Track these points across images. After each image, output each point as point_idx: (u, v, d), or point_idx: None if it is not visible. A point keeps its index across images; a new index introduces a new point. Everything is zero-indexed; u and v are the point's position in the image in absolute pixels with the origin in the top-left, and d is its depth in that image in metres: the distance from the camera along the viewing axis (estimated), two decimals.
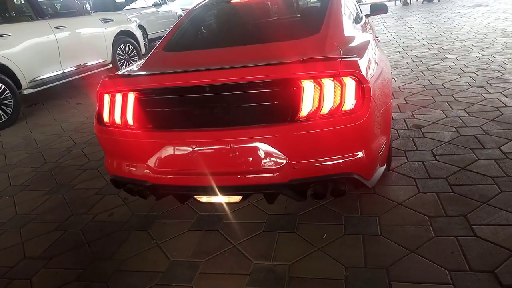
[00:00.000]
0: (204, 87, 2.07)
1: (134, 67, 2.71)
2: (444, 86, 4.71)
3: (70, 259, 2.39)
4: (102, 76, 2.34)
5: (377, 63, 2.38)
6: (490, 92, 4.29)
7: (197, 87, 2.09)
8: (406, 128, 3.63)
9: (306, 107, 1.96)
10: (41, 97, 6.77)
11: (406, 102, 4.33)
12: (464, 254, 2.01)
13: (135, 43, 8.22)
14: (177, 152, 2.15)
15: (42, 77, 6.08)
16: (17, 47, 5.67)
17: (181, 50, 2.82)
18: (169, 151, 2.15)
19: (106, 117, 2.31)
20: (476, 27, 8.36)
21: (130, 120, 2.22)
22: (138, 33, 8.40)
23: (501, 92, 4.23)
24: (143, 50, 8.46)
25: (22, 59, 5.71)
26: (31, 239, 2.65)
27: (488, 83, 4.59)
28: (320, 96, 1.95)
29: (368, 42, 2.54)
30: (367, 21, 3.80)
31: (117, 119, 2.26)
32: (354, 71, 1.94)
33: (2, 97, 5.42)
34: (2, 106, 5.45)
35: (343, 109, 1.94)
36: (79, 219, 2.82)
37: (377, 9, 4.51)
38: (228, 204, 2.62)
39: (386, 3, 4.89)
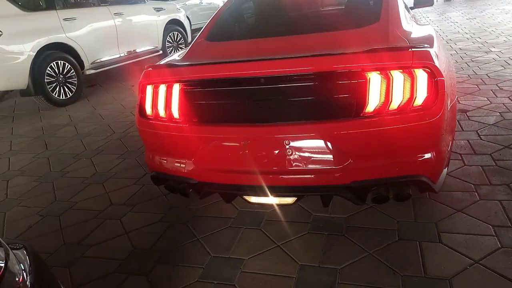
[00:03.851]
0: (259, 78, 1.94)
1: (176, 56, 2.62)
2: (488, 76, 4.83)
3: (150, 207, 2.76)
4: (145, 66, 2.29)
5: (444, 55, 2.23)
6: None
7: (251, 78, 1.97)
8: None
9: (372, 102, 1.82)
10: (99, 79, 7.27)
11: None
12: (507, 214, 2.23)
13: (183, 31, 8.64)
14: (226, 149, 2.04)
15: (102, 59, 6.56)
16: (82, 30, 6.16)
17: (225, 39, 2.68)
18: (217, 147, 2.04)
19: (148, 110, 2.21)
20: None
21: (175, 113, 2.11)
22: (186, 22, 8.82)
23: None
24: (189, 39, 8.89)
25: (85, 41, 6.19)
26: (114, 191, 3.04)
27: None
28: (389, 90, 1.80)
29: (432, 33, 2.37)
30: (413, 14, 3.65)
31: (161, 112, 2.15)
32: (428, 62, 1.79)
33: (68, 75, 5.93)
34: (68, 84, 5.96)
35: (414, 104, 1.80)
36: None
37: (422, 2, 4.13)
38: (279, 205, 2.46)
39: None
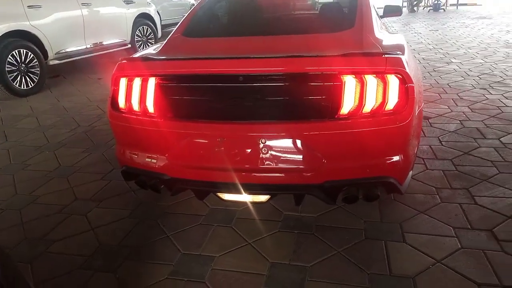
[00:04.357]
0: (237, 76, 1.94)
1: (151, 50, 2.59)
2: (449, 86, 5.06)
3: (118, 202, 2.69)
4: (120, 58, 2.24)
5: (413, 63, 2.30)
6: (492, 94, 4.64)
7: (228, 76, 1.97)
8: None
9: (347, 105, 1.87)
10: (63, 70, 7.01)
11: None
12: (467, 216, 2.35)
13: (153, 26, 8.50)
14: (201, 145, 2.03)
15: (67, 50, 6.34)
16: (47, 19, 5.93)
17: (202, 36, 2.70)
18: (192, 143, 2.02)
19: (122, 103, 2.17)
20: (480, 37, 8.73)
21: (150, 108, 2.08)
22: (157, 17, 8.68)
23: (502, 94, 4.59)
24: (159, 34, 8.75)
25: (50, 30, 5.97)
26: (79, 186, 2.95)
27: (490, 86, 4.95)
28: (362, 94, 1.85)
29: (403, 41, 2.43)
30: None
31: (135, 106, 2.12)
32: (399, 68, 1.85)
33: (30, 65, 5.69)
34: (30, 74, 5.71)
35: (386, 108, 1.86)
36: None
37: (392, 11, 4.32)
38: (252, 203, 2.48)
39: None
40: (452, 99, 4.53)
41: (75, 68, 7.15)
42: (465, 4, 17.03)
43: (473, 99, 4.47)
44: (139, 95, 2.11)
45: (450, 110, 4.15)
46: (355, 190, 2.02)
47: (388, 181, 1.97)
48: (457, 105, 4.31)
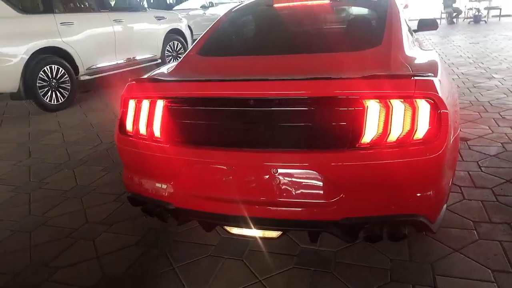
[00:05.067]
0: (248, 100, 1.79)
1: (164, 70, 2.46)
2: (490, 104, 4.70)
3: (127, 227, 2.58)
4: (129, 79, 2.13)
5: (448, 83, 2.06)
6: None
7: (240, 99, 1.82)
8: None
9: (369, 133, 1.67)
10: (94, 85, 7.13)
11: None
12: (508, 257, 2.06)
13: (183, 41, 8.55)
14: (208, 174, 1.88)
15: (98, 65, 6.43)
16: (79, 35, 6.04)
17: (218, 55, 2.57)
18: (199, 171, 1.89)
19: (129, 126, 2.05)
20: None
21: (157, 132, 1.95)
22: (187, 32, 8.73)
23: None
24: None
25: (82, 47, 6.07)
26: (92, 207, 2.86)
27: None
28: (387, 120, 1.66)
29: (436, 59, 2.20)
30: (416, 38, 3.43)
31: (142, 129, 2.00)
32: (431, 93, 1.64)
33: (61, 80, 5.79)
34: (60, 89, 5.81)
35: (415, 137, 1.66)
36: None
37: (427, 25, 3.93)
38: (262, 238, 2.25)
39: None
40: (494, 118, 4.18)
41: (106, 83, 7.26)
42: (509, 15, 16.23)
43: None
44: (146, 118, 2.00)
45: (491, 131, 3.82)
46: (378, 229, 1.80)
47: (417, 220, 1.73)
48: (499, 126, 3.96)
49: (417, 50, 2.49)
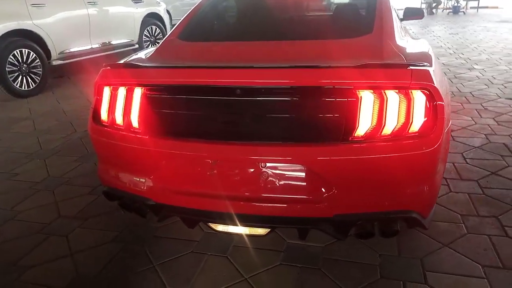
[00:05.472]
0: (234, 88, 1.66)
1: (142, 55, 2.31)
2: (472, 95, 4.71)
3: (103, 222, 2.43)
4: (104, 64, 1.97)
5: (441, 74, 1.96)
6: None
7: (225, 88, 1.68)
8: None
9: (363, 125, 1.59)
10: (67, 71, 6.83)
11: None
12: (497, 252, 2.03)
13: (161, 26, 8.29)
14: (191, 168, 1.77)
15: (72, 50, 6.14)
16: (51, 18, 5.73)
17: (200, 40, 2.42)
18: (181, 165, 1.77)
19: (104, 115, 1.90)
20: (503, 42, 8.31)
21: (134, 122, 1.82)
22: (166, 17, 8.46)
23: None
24: None
25: (54, 30, 5.77)
26: (65, 200, 2.70)
27: None
28: (382, 112, 1.57)
29: (429, 49, 2.13)
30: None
31: (118, 119, 1.86)
32: (427, 83, 1.56)
33: (32, 65, 5.50)
34: (31, 74, 5.52)
35: (410, 130, 1.58)
36: None
37: (413, 14, 3.92)
38: (249, 236, 2.15)
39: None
40: (476, 109, 4.18)
41: (81, 68, 6.96)
42: (486, 7, 16.49)
43: (498, 110, 4.12)
44: (123, 107, 1.85)
45: (474, 122, 3.81)
46: (370, 225, 1.72)
47: (410, 216, 1.66)
48: (481, 117, 3.96)
49: (409, 39, 2.40)
